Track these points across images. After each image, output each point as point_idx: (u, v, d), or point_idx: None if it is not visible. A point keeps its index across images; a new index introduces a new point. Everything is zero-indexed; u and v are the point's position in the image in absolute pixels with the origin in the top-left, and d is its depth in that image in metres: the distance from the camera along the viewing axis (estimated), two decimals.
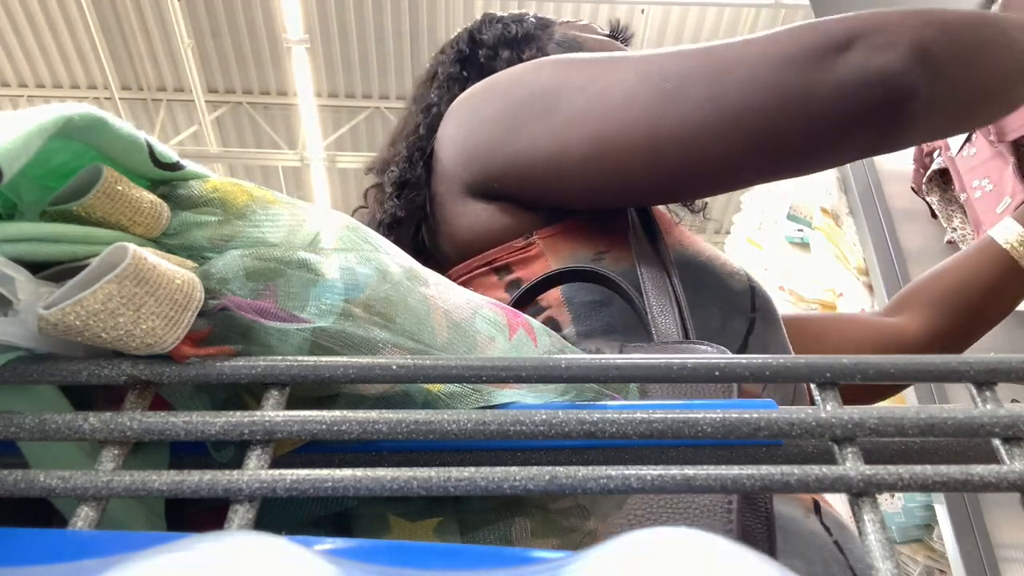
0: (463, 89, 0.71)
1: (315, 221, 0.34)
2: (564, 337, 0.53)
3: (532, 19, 0.79)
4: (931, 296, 0.79)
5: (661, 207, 0.67)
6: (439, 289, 0.35)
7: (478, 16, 0.84)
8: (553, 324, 0.57)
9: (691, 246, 0.62)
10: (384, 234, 0.66)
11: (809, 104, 0.48)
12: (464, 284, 0.62)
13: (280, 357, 0.28)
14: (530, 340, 0.38)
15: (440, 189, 0.65)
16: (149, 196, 0.30)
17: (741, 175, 0.55)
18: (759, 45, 0.50)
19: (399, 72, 5.51)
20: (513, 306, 0.52)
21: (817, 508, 0.48)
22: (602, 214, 0.61)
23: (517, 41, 0.76)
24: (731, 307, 0.59)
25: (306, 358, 0.28)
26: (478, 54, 0.77)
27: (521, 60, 0.73)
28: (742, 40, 0.51)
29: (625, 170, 0.53)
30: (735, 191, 0.58)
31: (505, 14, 0.80)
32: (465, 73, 0.75)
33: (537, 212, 0.60)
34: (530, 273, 0.59)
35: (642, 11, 4.94)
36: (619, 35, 0.81)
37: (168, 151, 0.32)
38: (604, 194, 0.57)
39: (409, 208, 0.67)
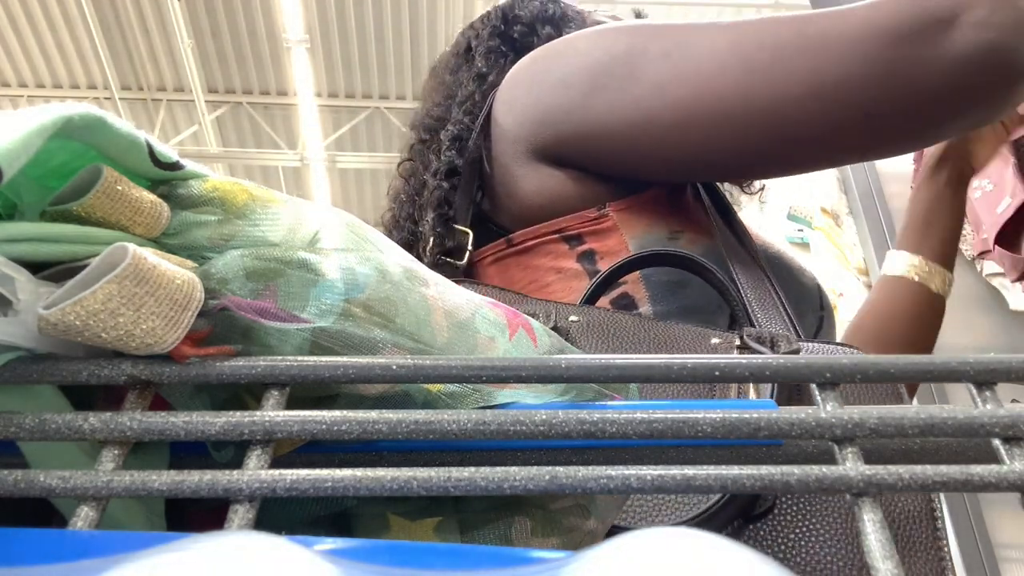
0: (506, 62, 0.71)
1: (315, 220, 0.34)
2: (640, 315, 0.53)
3: (564, 1, 0.78)
4: (863, 342, 0.79)
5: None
6: (439, 289, 0.35)
7: (478, 16, 0.84)
8: (629, 301, 0.56)
9: (762, 237, 0.61)
10: (438, 183, 0.66)
11: (918, 81, 0.47)
12: (531, 250, 0.61)
13: (280, 357, 0.28)
14: (530, 340, 0.38)
15: (499, 152, 0.63)
16: (149, 196, 0.30)
17: (835, 153, 0.53)
18: (859, 17, 0.48)
19: (399, 72, 5.51)
20: (597, 285, 0.51)
21: None
22: (675, 190, 0.60)
23: (555, 19, 0.75)
24: (806, 302, 0.60)
25: (306, 358, 0.28)
26: (513, 30, 0.75)
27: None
28: (838, 11, 0.49)
29: (712, 142, 0.52)
30: (821, 170, 0.57)
31: None
32: (503, 47, 0.74)
33: (607, 183, 0.59)
34: (604, 246, 0.58)
35: (643, 12, 4.93)
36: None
37: (168, 151, 0.32)
38: (684, 166, 0.56)
39: (468, 161, 0.65)
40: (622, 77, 0.55)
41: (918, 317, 0.78)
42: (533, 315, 0.47)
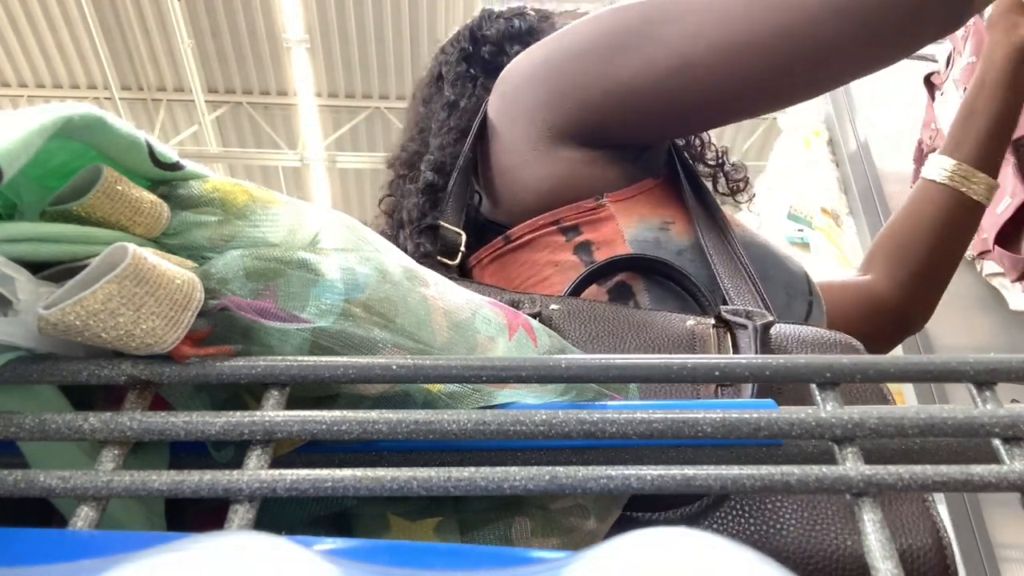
0: (475, 86, 0.73)
1: (315, 221, 0.34)
2: (637, 305, 0.55)
3: (532, 12, 0.79)
4: (888, 249, 0.81)
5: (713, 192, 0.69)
6: (439, 289, 0.35)
7: (448, 38, 0.85)
8: (626, 289, 0.58)
9: (748, 229, 0.63)
10: (415, 201, 0.68)
11: None
12: (528, 244, 0.62)
13: (280, 357, 0.28)
14: (530, 340, 0.38)
15: (501, 148, 0.65)
16: (149, 196, 0.30)
17: (865, 57, 0.57)
18: None
19: (399, 72, 5.51)
20: (582, 279, 0.53)
21: None
22: (668, 182, 0.63)
23: (522, 35, 0.76)
24: (794, 288, 0.61)
25: (306, 358, 0.28)
26: (481, 51, 0.77)
27: None
28: None
29: (752, 74, 0.56)
30: (842, 85, 0.63)
31: (503, 8, 0.80)
32: (472, 70, 0.76)
33: (613, 172, 0.61)
34: (599, 235, 0.59)
35: None
36: None
37: (168, 151, 0.32)
38: (722, 106, 0.59)
39: (460, 170, 0.67)
40: (646, 36, 0.57)
41: (942, 222, 0.78)
42: (515, 304, 0.49)
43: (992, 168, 0.79)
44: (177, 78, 5.53)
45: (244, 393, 0.31)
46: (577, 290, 0.55)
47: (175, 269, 0.27)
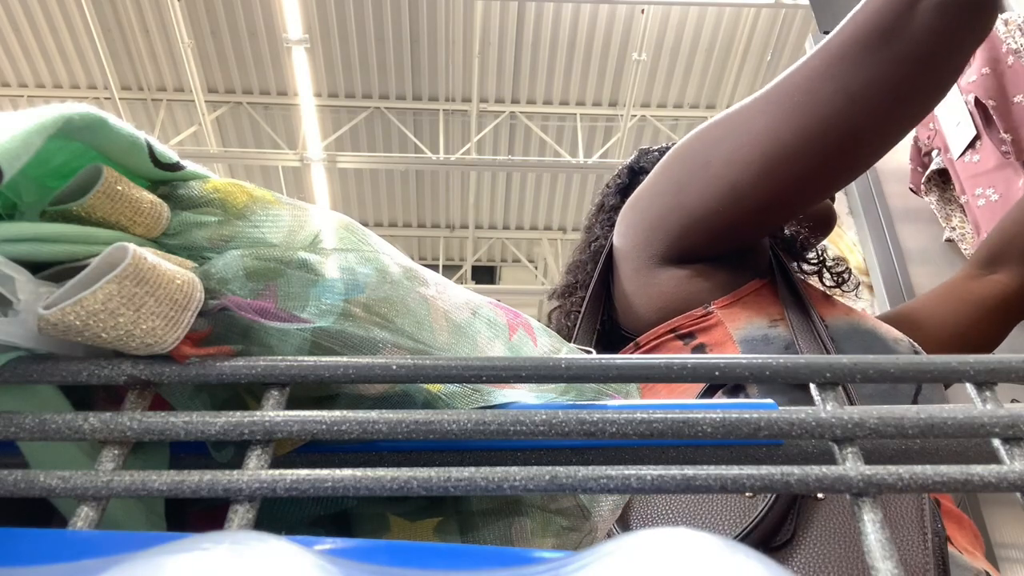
0: None
1: (315, 222, 0.34)
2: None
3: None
4: (1017, 253, 0.85)
5: (824, 292, 0.76)
6: (439, 289, 0.35)
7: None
8: (739, 387, 0.62)
9: (856, 316, 0.69)
10: (572, 320, 0.81)
11: (914, 57, 0.56)
12: (654, 350, 0.71)
13: (280, 357, 0.28)
14: (530, 340, 0.38)
15: (623, 271, 0.76)
16: (149, 196, 0.30)
17: (891, 135, 0.62)
18: (845, 37, 0.59)
19: (399, 72, 5.51)
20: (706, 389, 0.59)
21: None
22: (769, 284, 0.70)
23: None
24: None
25: (306, 358, 0.28)
26: (637, 180, 0.88)
27: None
28: (830, 37, 0.60)
29: (794, 177, 0.62)
30: (889, 152, 0.67)
31: (658, 146, 0.92)
32: (625, 201, 0.87)
33: (714, 279, 0.69)
34: (711, 339, 0.66)
35: (642, 11, 4.94)
36: None
37: (168, 151, 0.32)
38: (778, 212, 0.67)
39: (591, 295, 0.79)
40: (696, 171, 0.67)
41: None
42: None
43: None
44: (177, 78, 5.53)
45: (244, 393, 0.31)
46: (710, 392, 0.61)
47: (175, 269, 0.27)
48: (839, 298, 0.78)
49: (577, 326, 0.78)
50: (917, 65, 0.57)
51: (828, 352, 0.60)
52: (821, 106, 0.59)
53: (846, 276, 0.86)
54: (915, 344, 0.68)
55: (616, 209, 0.87)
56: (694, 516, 0.49)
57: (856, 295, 0.93)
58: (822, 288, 0.81)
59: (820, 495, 0.48)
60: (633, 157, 0.94)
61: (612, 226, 0.84)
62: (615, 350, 0.77)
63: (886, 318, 0.84)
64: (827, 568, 0.44)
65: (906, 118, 0.62)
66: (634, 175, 0.90)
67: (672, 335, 0.69)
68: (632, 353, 0.74)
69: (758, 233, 0.72)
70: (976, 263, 0.89)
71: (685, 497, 0.50)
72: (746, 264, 0.72)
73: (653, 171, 0.74)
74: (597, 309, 0.79)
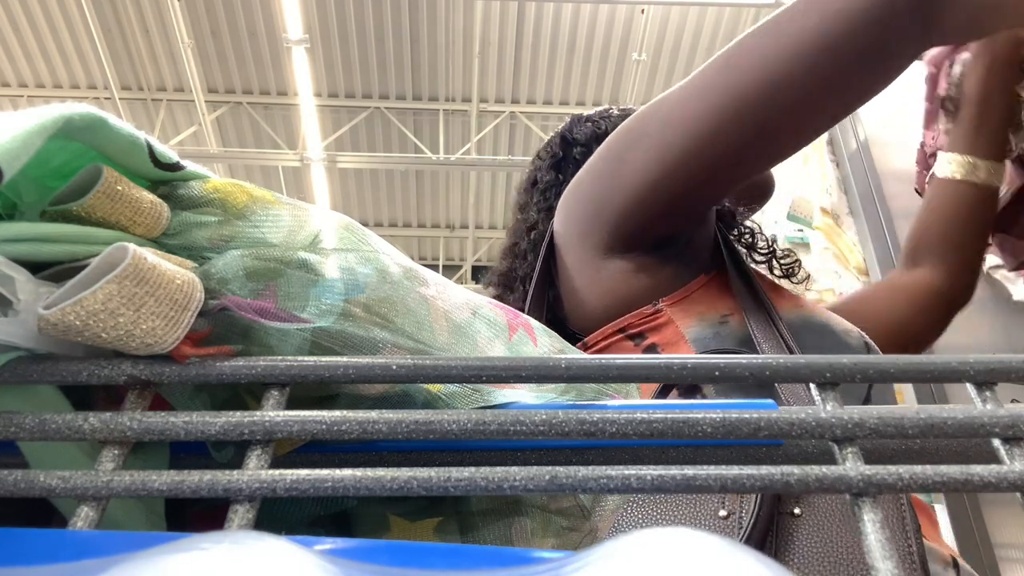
0: (559, 195, 0.80)
1: (315, 222, 0.34)
2: (704, 399, 0.59)
3: (616, 112, 0.87)
4: (934, 244, 0.87)
5: (773, 281, 0.74)
6: (439, 289, 0.35)
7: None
8: (696, 387, 0.61)
9: (806, 308, 0.68)
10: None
11: (839, 27, 0.54)
12: (603, 350, 0.68)
13: (280, 357, 0.28)
14: (530, 340, 0.38)
15: (566, 264, 0.72)
16: (149, 196, 0.30)
17: (822, 104, 0.59)
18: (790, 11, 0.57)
19: (399, 72, 5.51)
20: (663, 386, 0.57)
21: (955, 565, 0.52)
22: (717, 278, 0.68)
23: (607, 135, 0.83)
24: None
25: (306, 358, 0.28)
26: (572, 152, 0.84)
27: None
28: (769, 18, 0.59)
29: (727, 134, 0.59)
30: (809, 140, 0.65)
31: (593, 112, 0.88)
32: (560, 176, 0.84)
33: (661, 276, 0.67)
34: (663, 338, 0.64)
35: (642, 11, 4.94)
36: None
37: (168, 151, 0.32)
38: (717, 175, 0.63)
39: (536, 287, 0.75)
40: (633, 142, 0.64)
41: (970, 214, 0.86)
42: None
43: (1002, 154, 0.86)
44: (177, 78, 5.53)
45: (244, 393, 0.31)
46: (663, 394, 0.60)
47: (175, 269, 0.27)
48: (790, 289, 0.77)
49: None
50: (841, 33, 0.54)
51: (787, 346, 0.59)
52: (749, 58, 0.57)
53: (796, 268, 0.85)
54: (865, 335, 0.68)
55: (551, 187, 0.83)
56: (675, 511, 0.49)
57: (807, 287, 0.93)
58: (772, 280, 0.79)
59: (796, 511, 0.47)
60: (565, 125, 0.88)
61: (549, 210, 0.81)
62: None
63: (832, 308, 0.83)
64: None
65: (832, 88, 0.59)
66: (567, 146, 0.85)
67: (621, 335, 0.67)
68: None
69: (699, 204, 0.69)
70: (903, 259, 0.90)
71: (657, 520, 0.49)
72: (691, 257, 0.70)
73: (592, 156, 0.70)
74: (541, 305, 0.75)
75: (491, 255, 7.21)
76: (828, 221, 1.91)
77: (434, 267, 6.47)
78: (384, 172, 6.19)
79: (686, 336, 0.63)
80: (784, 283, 0.82)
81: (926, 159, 1.61)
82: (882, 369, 0.28)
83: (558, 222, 0.75)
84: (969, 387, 0.28)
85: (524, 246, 0.81)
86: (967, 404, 0.27)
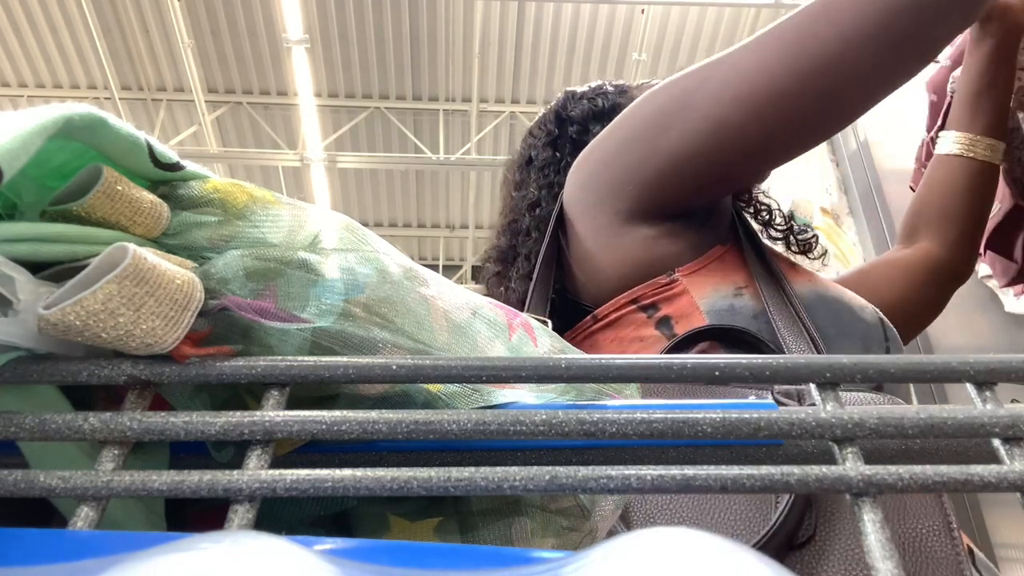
0: (558, 173, 0.80)
1: (315, 222, 0.34)
2: None
3: (611, 88, 0.86)
4: (931, 217, 0.88)
5: (789, 259, 0.74)
6: (439, 289, 0.35)
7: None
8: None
9: (820, 283, 0.68)
10: (520, 289, 0.75)
11: (905, 3, 0.56)
12: (615, 323, 0.68)
13: (280, 357, 0.28)
14: (530, 340, 0.38)
15: (580, 235, 0.71)
16: (149, 196, 0.30)
17: (878, 84, 0.61)
18: None
19: (399, 72, 5.51)
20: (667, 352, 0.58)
21: (971, 554, 0.53)
22: (733, 250, 0.68)
23: (604, 113, 0.82)
24: (868, 338, 0.65)
25: (306, 358, 0.28)
26: (567, 131, 0.83)
27: None
28: None
29: (783, 116, 0.60)
30: (873, 106, 0.65)
31: (586, 88, 0.87)
32: (558, 154, 0.83)
33: (682, 244, 0.66)
34: (676, 309, 0.64)
35: (642, 11, 4.94)
36: None
37: (168, 151, 0.32)
38: (764, 155, 0.64)
39: (543, 260, 0.75)
40: (678, 113, 0.63)
41: (969, 188, 0.86)
42: None
43: (1001, 132, 0.87)
44: (177, 78, 5.52)
45: (244, 393, 0.31)
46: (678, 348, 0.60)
47: (175, 269, 0.27)
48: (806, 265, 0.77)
49: (529, 295, 0.73)
50: (911, 15, 0.56)
51: (802, 321, 0.60)
52: (815, 45, 0.58)
53: (813, 243, 0.86)
54: (879, 311, 0.68)
55: (549, 164, 0.82)
56: (704, 518, 0.49)
57: (823, 263, 0.93)
58: (787, 255, 0.79)
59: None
60: (559, 101, 0.87)
61: (550, 186, 0.80)
62: (568, 322, 0.73)
63: (840, 283, 0.83)
64: (850, 557, 0.45)
65: (895, 68, 0.61)
66: (562, 123, 0.84)
67: (634, 306, 0.66)
68: (590, 326, 0.70)
69: (739, 181, 0.70)
70: (903, 233, 0.91)
71: (692, 499, 0.49)
72: (711, 227, 0.69)
73: (616, 122, 0.69)
74: (549, 277, 0.74)
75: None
76: (828, 221, 1.91)
77: (434, 267, 6.47)
78: (384, 172, 6.19)
79: (700, 307, 0.63)
80: (802, 260, 0.82)
81: (923, 157, 1.61)
82: (882, 369, 0.28)
83: (570, 190, 0.73)
84: (969, 387, 0.28)
85: (527, 223, 0.80)
86: (967, 404, 0.27)
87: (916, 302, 0.85)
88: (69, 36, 5.17)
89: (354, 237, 0.35)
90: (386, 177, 6.29)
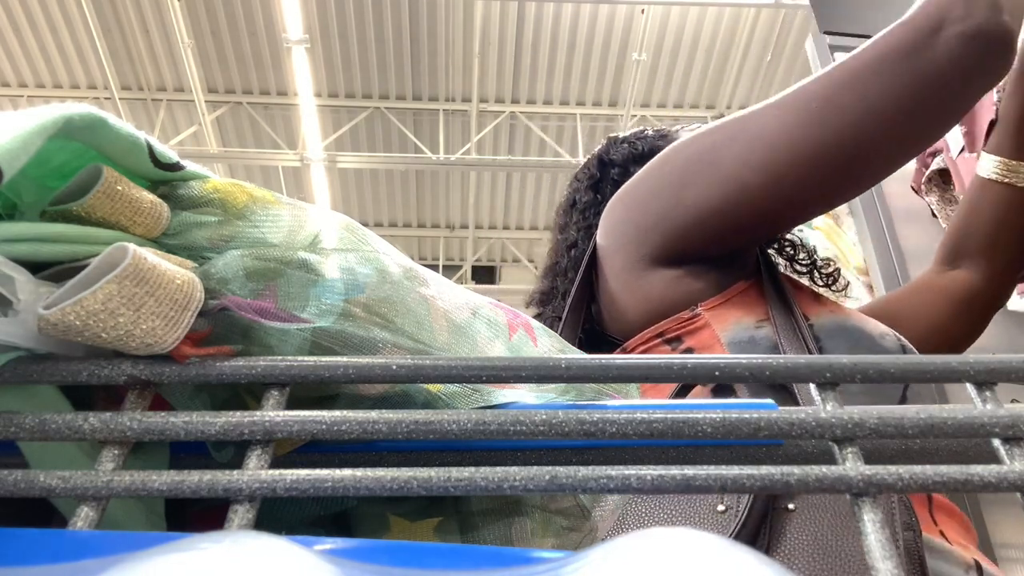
0: (597, 215, 0.82)
1: (315, 222, 0.34)
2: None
3: (651, 133, 0.89)
4: (976, 246, 0.88)
5: (813, 290, 0.76)
6: (439, 289, 0.35)
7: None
8: (726, 386, 0.62)
9: (843, 313, 0.69)
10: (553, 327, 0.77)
11: (933, 77, 0.58)
12: (641, 354, 0.69)
13: (280, 357, 0.28)
14: (530, 340, 0.38)
15: (608, 275, 0.74)
16: (149, 196, 0.30)
17: (900, 154, 0.65)
18: (868, 53, 0.61)
19: (399, 72, 5.52)
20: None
21: (979, 569, 0.53)
22: (754, 285, 0.70)
23: (644, 156, 0.84)
24: None
25: (306, 358, 0.28)
26: (609, 174, 0.86)
27: None
28: (849, 56, 0.62)
29: (803, 185, 0.63)
30: (893, 173, 0.69)
31: (628, 133, 0.90)
32: (599, 196, 0.86)
33: (704, 282, 0.69)
34: (699, 342, 0.66)
35: (642, 11, 4.94)
36: None
37: (168, 151, 0.32)
38: (781, 215, 0.67)
39: (573, 302, 0.78)
40: (703, 170, 0.66)
41: (1015, 215, 0.86)
42: None
43: None
44: (177, 78, 5.53)
45: (244, 393, 0.31)
46: (684, 391, 0.61)
47: (175, 269, 0.27)
48: (831, 297, 0.78)
49: (560, 332, 0.76)
50: (934, 86, 0.58)
51: (810, 350, 0.61)
52: (838, 115, 0.60)
53: (836, 276, 0.87)
54: (901, 338, 0.69)
55: (590, 207, 0.85)
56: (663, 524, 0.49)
57: (847, 294, 0.94)
58: (813, 288, 0.80)
59: (791, 505, 0.48)
60: (602, 146, 0.91)
61: (588, 228, 0.83)
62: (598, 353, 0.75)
63: (868, 311, 0.84)
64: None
65: (917, 137, 0.63)
66: (604, 167, 0.87)
67: (659, 339, 0.69)
68: None
69: (757, 238, 0.72)
70: (940, 259, 0.91)
71: (657, 515, 0.50)
72: (735, 265, 0.72)
73: (646, 168, 0.73)
74: (579, 314, 0.78)
75: (491, 255, 7.21)
76: (828, 221, 1.91)
77: (434, 267, 6.47)
78: (384, 172, 6.19)
79: (722, 339, 0.65)
80: (827, 292, 0.83)
81: (924, 156, 1.61)
82: (882, 369, 0.28)
83: (602, 231, 0.77)
84: (969, 387, 0.28)
85: (564, 264, 0.84)
86: (967, 404, 0.27)
87: (957, 327, 0.85)
88: (69, 36, 5.17)
89: (354, 237, 0.35)
90: (386, 177, 6.29)
